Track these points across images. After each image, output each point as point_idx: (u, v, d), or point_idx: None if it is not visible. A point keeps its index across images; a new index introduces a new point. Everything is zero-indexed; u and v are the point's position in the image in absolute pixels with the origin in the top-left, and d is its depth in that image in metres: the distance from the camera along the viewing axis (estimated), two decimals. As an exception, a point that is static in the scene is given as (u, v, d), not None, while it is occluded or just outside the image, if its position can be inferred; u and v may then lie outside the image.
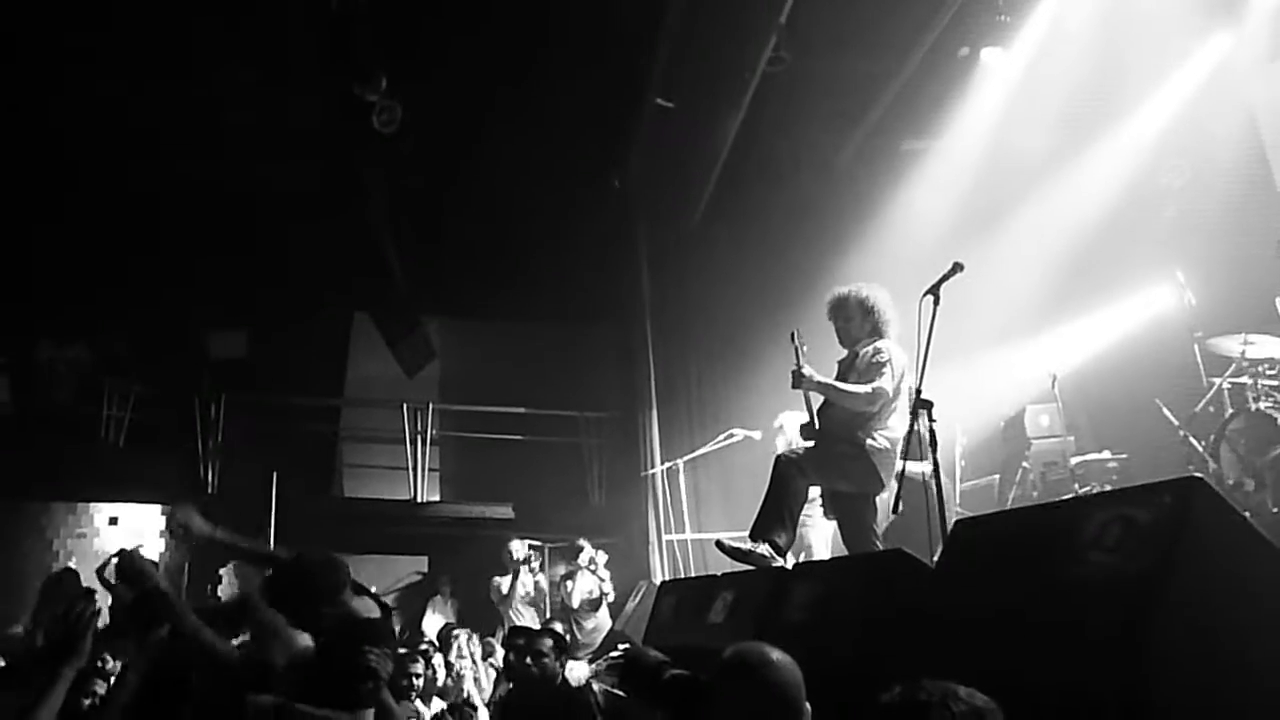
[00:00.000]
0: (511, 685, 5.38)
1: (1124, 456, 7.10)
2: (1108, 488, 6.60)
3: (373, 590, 4.16)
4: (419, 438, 11.25)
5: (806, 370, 4.81)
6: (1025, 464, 7.60)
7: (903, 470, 4.48)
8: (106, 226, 10.46)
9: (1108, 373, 8.14)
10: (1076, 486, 6.89)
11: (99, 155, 9.71)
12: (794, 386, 4.88)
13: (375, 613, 3.63)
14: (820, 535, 6.67)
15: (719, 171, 9.54)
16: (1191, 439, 6.48)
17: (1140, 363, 7.73)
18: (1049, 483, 7.22)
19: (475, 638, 8.09)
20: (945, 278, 4.34)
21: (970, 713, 1.53)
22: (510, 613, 8.98)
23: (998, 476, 7.92)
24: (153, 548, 10.53)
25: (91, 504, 10.47)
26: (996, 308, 8.06)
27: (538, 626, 7.78)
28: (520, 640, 5.31)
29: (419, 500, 11.16)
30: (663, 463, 9.74)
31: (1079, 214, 8.40)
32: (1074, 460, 7.16)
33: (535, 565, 9.31)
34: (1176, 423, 6.66)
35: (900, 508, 4.17)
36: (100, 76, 8.55)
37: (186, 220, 10.50)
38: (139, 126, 9.15)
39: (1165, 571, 1.99)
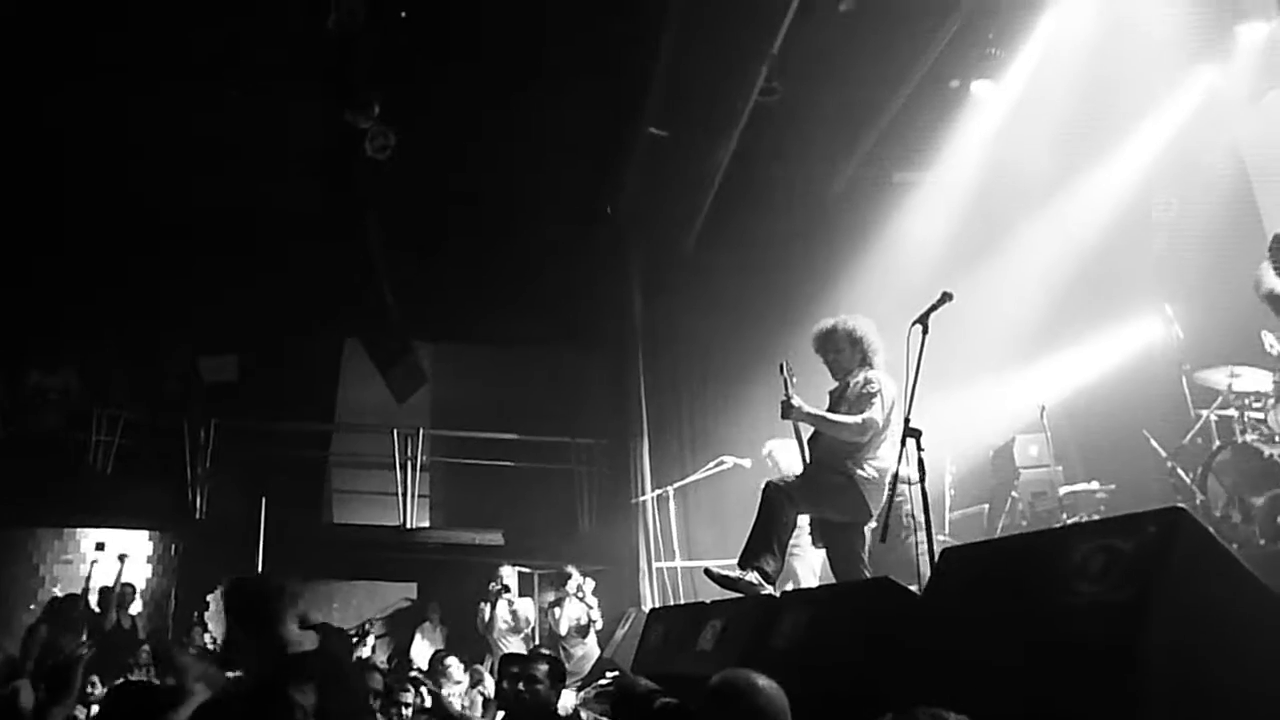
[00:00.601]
0: (504, 713, 5.31)
1: (1112, 487, 7.12)
2: (1095, 518, 6.61)
3: (323, 623, 4.15)
4: (409, 463, 11.22)
5: (796, 401, 4.84)
6: (1014, 493, 7.61)
7: (889, 499, 4.48)
8: (96, 250, 10.47)
9: (1096, 404, 8.18)
10: (1065, 516, 6.90)
11: (90, 178, 9.74)
12: (783, 417, 4.92)
13: (312, 645, 3.63)
14: (808, 564, 6.67)
15: (711, 200, 9.61)
16: (1179, 470, 6.50)
17: (1128, 394, 7.77)
18: (1037, 512, 7.23)
19: (463, 665, 8.05)
20: (934, 307, 4.37)
21: None
22: (496, 641, 8.92)
23: (987, 505, 7.93)
24: (139, 573, 10.46)
25: (79, 529, 10.40)
26: (986, 338, 8.10)
27: (529, 649, 7.76)
28: (514, 667, 5.25)
29: (409, 526, 11.11)
30: (653, 490, 9.72)
31: (1068, 246, 8.48)
32: (1062, 490, 7.18)
33: (513, 595, 9.25)
34: (1164, 454, 6.68)
35: (886, 537, 4.17)
36: (95, 98, 8.59)
37: (177, 244, 10.51)
38: (130, 149, 9.18)
39: (1148, 602, 2.00)
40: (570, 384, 12.12)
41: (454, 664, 7.97)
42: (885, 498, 4.65)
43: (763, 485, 4.93)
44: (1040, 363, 8.54)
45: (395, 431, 11.34)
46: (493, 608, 8.97)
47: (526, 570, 9.62)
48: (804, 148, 9.46)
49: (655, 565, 9.44)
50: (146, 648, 8.82)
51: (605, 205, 10.46)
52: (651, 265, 10.73)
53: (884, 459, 4.76)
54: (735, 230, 10.16)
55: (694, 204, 9.79)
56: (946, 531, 7.22)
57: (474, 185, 10.00)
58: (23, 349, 10.83)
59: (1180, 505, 2.17)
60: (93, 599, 9.46)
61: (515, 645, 8.74)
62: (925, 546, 4.01)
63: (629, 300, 10.74)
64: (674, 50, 7.90)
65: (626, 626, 8.61)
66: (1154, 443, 6.78)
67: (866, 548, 4.86)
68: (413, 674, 7.95)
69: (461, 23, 8.08)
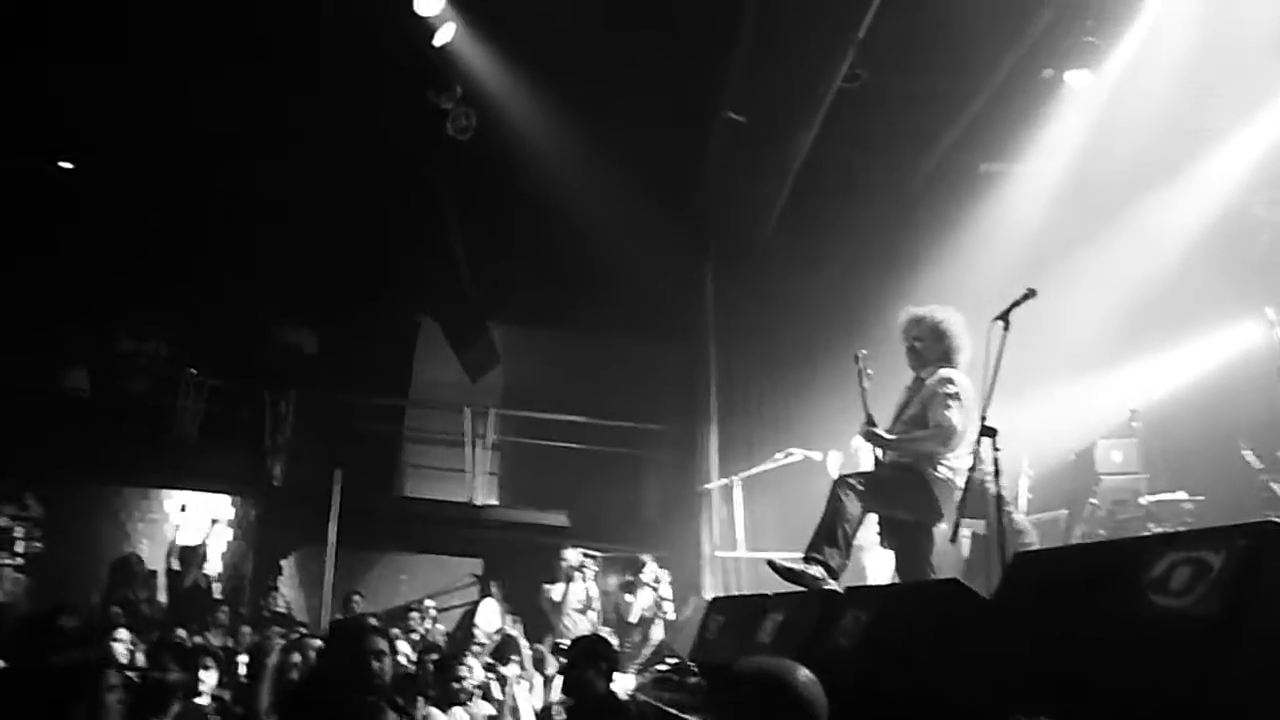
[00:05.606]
0: (568, 698, 5.34)
1: (1201, 498, 6.81)
2: (1181, 529, 6.33)
3: None
4: (479, 441, 11.36)
5: (880, 432, 4.76)
6: (1093, 500, 7.34)
7: (963, 500, 4.34)
8: (189, 227, 10.83)
9: (1187, 410, 7.83)
10: (1152, 526, 6.61)
11: (183, 160, 10.06)
12: (866, 439, 4.83)
13: None
14: (876, 560, 6.55)
15: (790, 188, 9.46)
16: (1274, 484, 6.19)
17: (1222, 401, 7.44)
18: (1118, 521, 6.96)
19: (528, 645, 8.12)
20: (1016, 304, 4.22)
21: None
22: (563, 621, 8.98)
23: (1065, 511, 7.67)
24: (219, 536, 10.83)
25: (163, 491, 10.80)
26: (1071, 337, 7.83)
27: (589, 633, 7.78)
28: (564, 658, 5.27)
29: (476, 504, 11.26)
30: (719, 478, 9.67)
31: (1164, 244, 8.12)
32: (1146, 499, 6.90)
33: (589, 573, 9.31)
34: (1260, 465, 6.38)
35: (957, 538, 4.05)
36: (189, 79, 8.84)
37: (263, 222, 10.79)
38: (220, 130, 9.44)
39: (1236, 620, 1.87)
40: (640, 369, 12.11)
41: (518, 642, 8.04)
42: (959, 498, 4.53)
43: (832, 480, 4.85)
44: (1127, 365, 8.22)
45: (467, 410, 11.48)
46: (568, 585, 9.03)
47: (593, 553, 9.65)
48: (887, 136, 9.24)
49: (718, 554, 9.40)
50: (225, 608, 9.15)
51: (682, 191, 10.39)
52: (727, 253, 10.63)
53: (958, 459, 4.63)
54: (813, 219, 10.00)
55: (772, 191, 9.64)
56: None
57: (550, 170, 10.01)
58: (117, 317, 11.27)
59: (1277, 520, 2.03)
60: (173, 558, 9.82)
61: (583, 626, 8.80)
62: (997, 549, 3.89)
63: (703, 288, 10.66)
64: (754, 34, 7.77)
65: (687, 614, 8.60)
66: (1248, 454, 6.48)
67: (935, 550, 4.74)
68: (475, 649, 8.09)
69: (536, 4, 8.05)
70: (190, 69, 8.73)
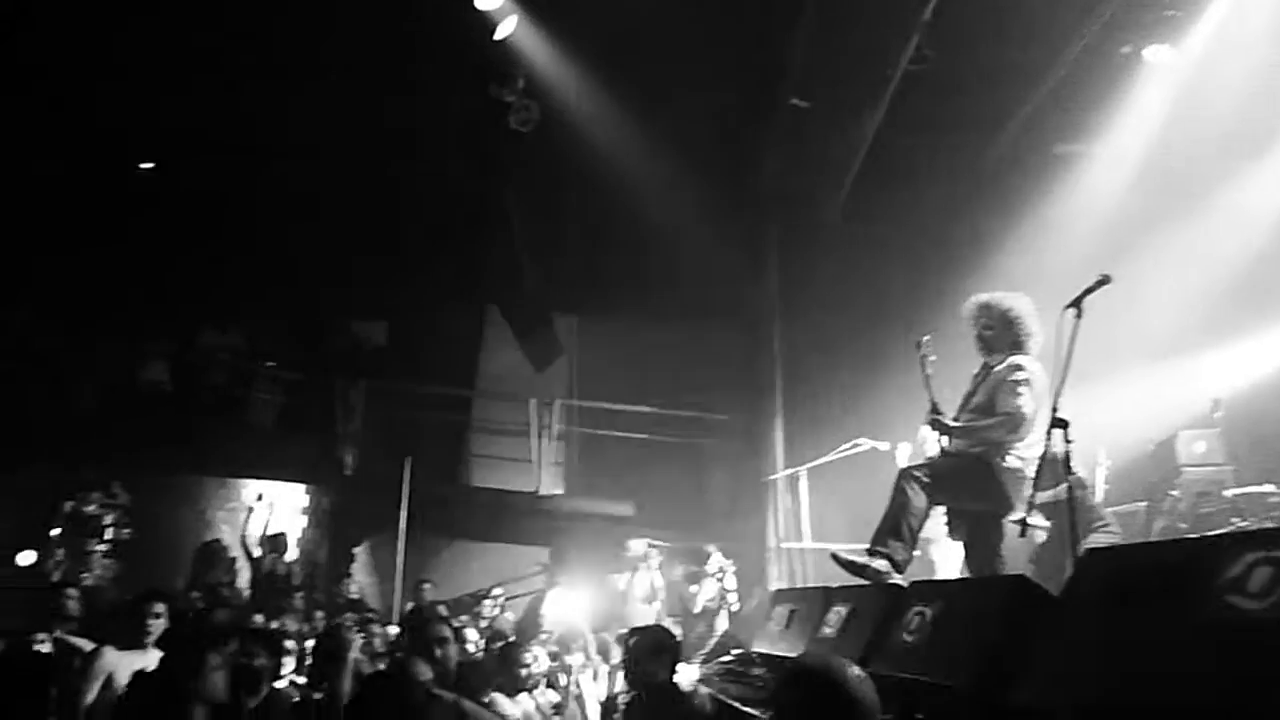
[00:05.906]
0: (634, 690, 5.35)
1: (1290, 491, 6.52)
2: (1268, 524, 6.07)
3: None
4: (544, 432, 11.44)
5: (946, 420, 4.67)
6: (1174, 492, 7.09)
7: (1036, 480, 4.22)
8: (262, 225, 11.11)
9: (1275, 398, 7.51)
10: (1237, 520, 6.36)
11: (260, 157, 10.32)
12: (933, 428, 4.74)
13: None
14: (945, 552, 6.43)
15: (856, 172, 9.31)
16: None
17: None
18: (1200, 514, 6.70)
19: (593, 634, 8.16)
20: (1089, 290, 4.07)
21: None
22: (628, 610, 9.00)
23: (1145, 504, 7.42)
24: (294, 524, 11.11)
25: (241, 480, 11.11)
26: (1150, 324, 7.56)
27: (653, 624, 7.79)
28: (637, 643, 5.27)
29: (542, 493, 11.35)
30: (785, 469, 9.58)
31: (1248, 227, 7.79)
32: (1230, 491, 6.63)
33: (654, 563, 9.31)
34: (1354, 456, 6.08)
35: (1026, 532, 3.94)
36: (255, 79, 9.05)
37: (334, 218, 11.00)
38: (294, 129, 9.65)
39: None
40: (706, 358, 12.05)
41: (583, 631, 8.08)
42: (1028, 488, 4.41)
43: (898, 470, 4.77)
44: (1211, 352, 7.91)
45: (532, 401, 11.56)
46: (633, 575, 9.06)
47: (658, 543, 9.65)
48: (956, 117, 9.03)
49: (783, 545, 9.33)
50: (300, 594, 9.38)
51: (746, 177, 10.31)
52: (791, 239, 10.54)
53: (1027, 448, 4.51)
54: (879, 203, 9.83)
55: (837, 176, 9.51)
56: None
57: (613, 158, 10.02)
58: (197, 313, 11.63)
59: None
60: (253, 545, 10.11)
61: (649, 615, 8.81)
62: (1069, 543, 3.78)
63: (768, 275, 10.58)
64: (820, 17, 7.65)
65: (752, 605, 8.55)
66: (1342, 444, 6.19)
67: (1004, 542, 4.62)
68: (542, 636, 8.15)
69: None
70: (263, 70, 8.94)
